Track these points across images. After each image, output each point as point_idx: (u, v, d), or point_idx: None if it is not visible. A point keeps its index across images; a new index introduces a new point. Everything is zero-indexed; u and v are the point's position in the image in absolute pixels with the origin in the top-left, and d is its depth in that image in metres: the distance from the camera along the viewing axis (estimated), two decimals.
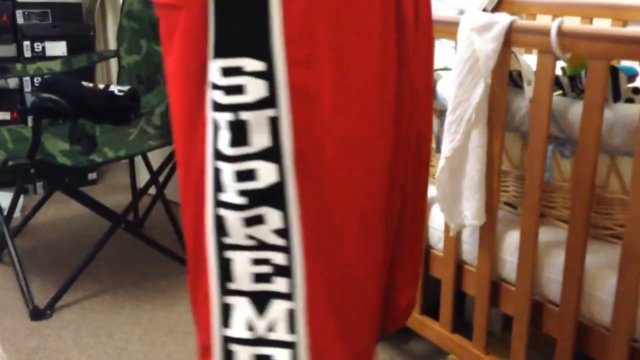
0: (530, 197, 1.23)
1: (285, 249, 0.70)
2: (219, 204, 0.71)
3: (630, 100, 1.16)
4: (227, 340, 0.73)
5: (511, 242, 1.34)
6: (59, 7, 2.92)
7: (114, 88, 2.11)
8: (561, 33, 1.11)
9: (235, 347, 0.73)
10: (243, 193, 0.69)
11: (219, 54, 0.68)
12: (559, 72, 1.30)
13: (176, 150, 0.79)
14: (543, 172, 1.21)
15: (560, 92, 1.25)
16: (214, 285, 0.72)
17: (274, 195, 0.69)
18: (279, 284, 0.71)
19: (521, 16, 2.34)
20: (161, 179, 2.35)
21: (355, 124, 0.74)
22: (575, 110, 1.17)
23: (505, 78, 1.25)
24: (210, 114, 0.70)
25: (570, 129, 1.19)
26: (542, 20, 2.21)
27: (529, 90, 1.24)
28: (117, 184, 3.11)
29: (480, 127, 1.29)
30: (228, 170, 0.69)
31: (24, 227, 2.47)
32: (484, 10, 2.31)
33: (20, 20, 2.85)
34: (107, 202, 2.22)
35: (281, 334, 0.72)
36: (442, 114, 1.42)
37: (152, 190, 2.44)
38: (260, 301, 0.72)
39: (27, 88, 2.89)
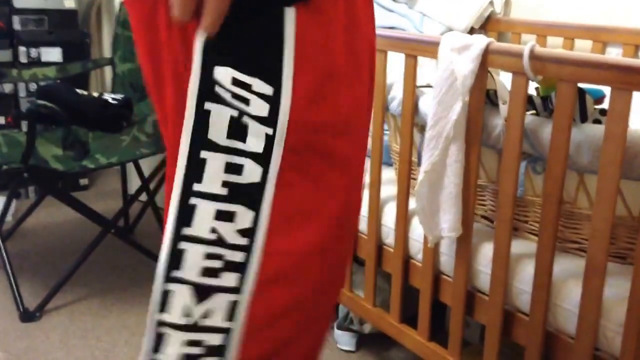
0: (503, 211, 1.29)
1: (245, 248, 0.73)
2: (194, 193, 0.72)
3: (597, 121, 1.22)
4: (160, 324, 0.74)
5: (486, 253, 1.39)
6: (55, 13, 2.97)
7: (108, 96, 2.16)
8: (533, 56, 1.16)
9: (166, 330, 0.74)
10: (226, 184, 0.72)
11: (235, 67, 0.71)
12: (533, 92, 1.36)
13: (170, 146, 0.80)
14: (516, 187, 1.27)
15: (534, 111, 1.31)
16: (160, 272, 0.73)
17: (251, 194, 0.72)
18: (228, 279, 0.73)
19: (507, 35, 2.41)
20: (152, 185, 2.39)
21: (345, 149, 0.80)
22: (546, 129, 1.23)
23: (482, 97, 1.30)
24: (203, 105, 0.72)
25: (541, 147, 1.25)
26: (527, 39, 2.28)
27: (503, 109, 1.30)
28: (108, 189, 3.15)
29: (458, 143, 1.35)
30: (217, 160, 0.71)
31: (15, 231, 2.51)
32: (472, 27, 2.38)
33: (16, 25, 2.90)
34: (98, 208, 2.26)
35: (217, 321, 0.74)
36: (423, 129, 1.48)
37: (143, 197, 2.48)
38: (203, 292, 0.73)
39: (22, 93, 2.93)
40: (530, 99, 1.28)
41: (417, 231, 1.56)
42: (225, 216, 0.72)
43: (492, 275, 1.34)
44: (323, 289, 0.82)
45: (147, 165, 2.49)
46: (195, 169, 0.72)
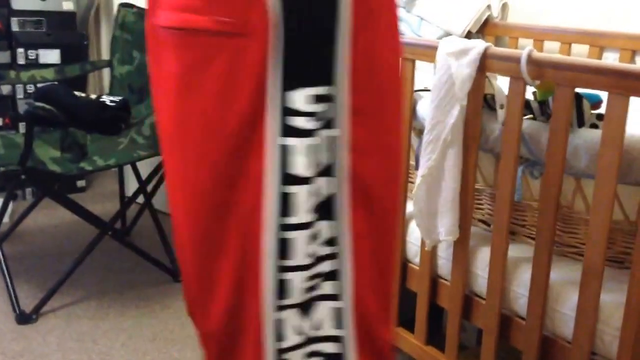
0: (500, 215, 1.29)
1: (333, 256, 0.76)
2: (287, 227, 0.74)
3: (594, 126, 1.22)
4: (281, 351, 0.77)
5: (483, 257, 1.40)
6: (53, 15, 2.96)
7: (106, 98, 2.16)
8: (530, 61, 1.17)
9: (288, 355, 0.78)
10: (310, 210, 0.74)
11: (308, 83, 0.72)
12: (530, 97, 1.36)
13: (200, 188, 0.80)
14: (513, 191, 1.27)
15: (531, 116, 1.31)
16: (268, 304, 0.76)
17: (328, 208, 0.75)
18: (325, 288, 0.77)
19: (504, 39, 2.41)
20: (149, 188, 2.39)
21: (391, 139, 0.84)
22: (544, 133, 1.23)
23: (480, 101, 1.31)
24: (279, 140, 0.73)
25: (539, 151, 1.25)
26: (524, 44, 2.28)
27: (501, 113, 1.30)
28: (105, 192, 3.14)
29: (456, 148, 1.35)
30: (303, 192, 0.73)
31: (12, 233, 2.50)
32: (469, 31, 2.39)
33: (15, 27, 2.90)
34: (95, 210, 2.26)
35: (328, 330, 0.78)
36: (421, 133, 1.48)
37: (140, 199, 2.48)
38: (307, 306, 0.77)
39: (20, 95, 2.93)
40: (527, 103, 1.28)
41: (414, 234, 1.57)
42: (314, 237, 0.75)
43: (489, 279, 1.34)
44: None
45: (145, 167, 2.49)
46: (283, 204, 0.74)
